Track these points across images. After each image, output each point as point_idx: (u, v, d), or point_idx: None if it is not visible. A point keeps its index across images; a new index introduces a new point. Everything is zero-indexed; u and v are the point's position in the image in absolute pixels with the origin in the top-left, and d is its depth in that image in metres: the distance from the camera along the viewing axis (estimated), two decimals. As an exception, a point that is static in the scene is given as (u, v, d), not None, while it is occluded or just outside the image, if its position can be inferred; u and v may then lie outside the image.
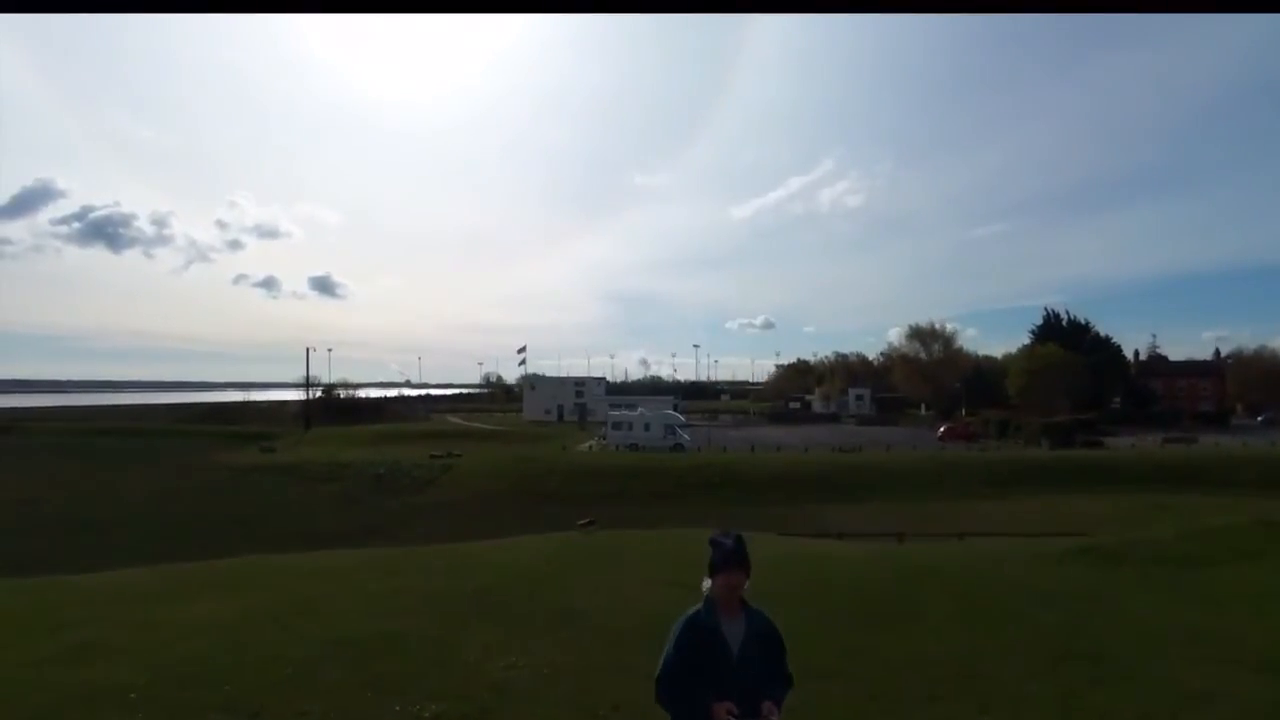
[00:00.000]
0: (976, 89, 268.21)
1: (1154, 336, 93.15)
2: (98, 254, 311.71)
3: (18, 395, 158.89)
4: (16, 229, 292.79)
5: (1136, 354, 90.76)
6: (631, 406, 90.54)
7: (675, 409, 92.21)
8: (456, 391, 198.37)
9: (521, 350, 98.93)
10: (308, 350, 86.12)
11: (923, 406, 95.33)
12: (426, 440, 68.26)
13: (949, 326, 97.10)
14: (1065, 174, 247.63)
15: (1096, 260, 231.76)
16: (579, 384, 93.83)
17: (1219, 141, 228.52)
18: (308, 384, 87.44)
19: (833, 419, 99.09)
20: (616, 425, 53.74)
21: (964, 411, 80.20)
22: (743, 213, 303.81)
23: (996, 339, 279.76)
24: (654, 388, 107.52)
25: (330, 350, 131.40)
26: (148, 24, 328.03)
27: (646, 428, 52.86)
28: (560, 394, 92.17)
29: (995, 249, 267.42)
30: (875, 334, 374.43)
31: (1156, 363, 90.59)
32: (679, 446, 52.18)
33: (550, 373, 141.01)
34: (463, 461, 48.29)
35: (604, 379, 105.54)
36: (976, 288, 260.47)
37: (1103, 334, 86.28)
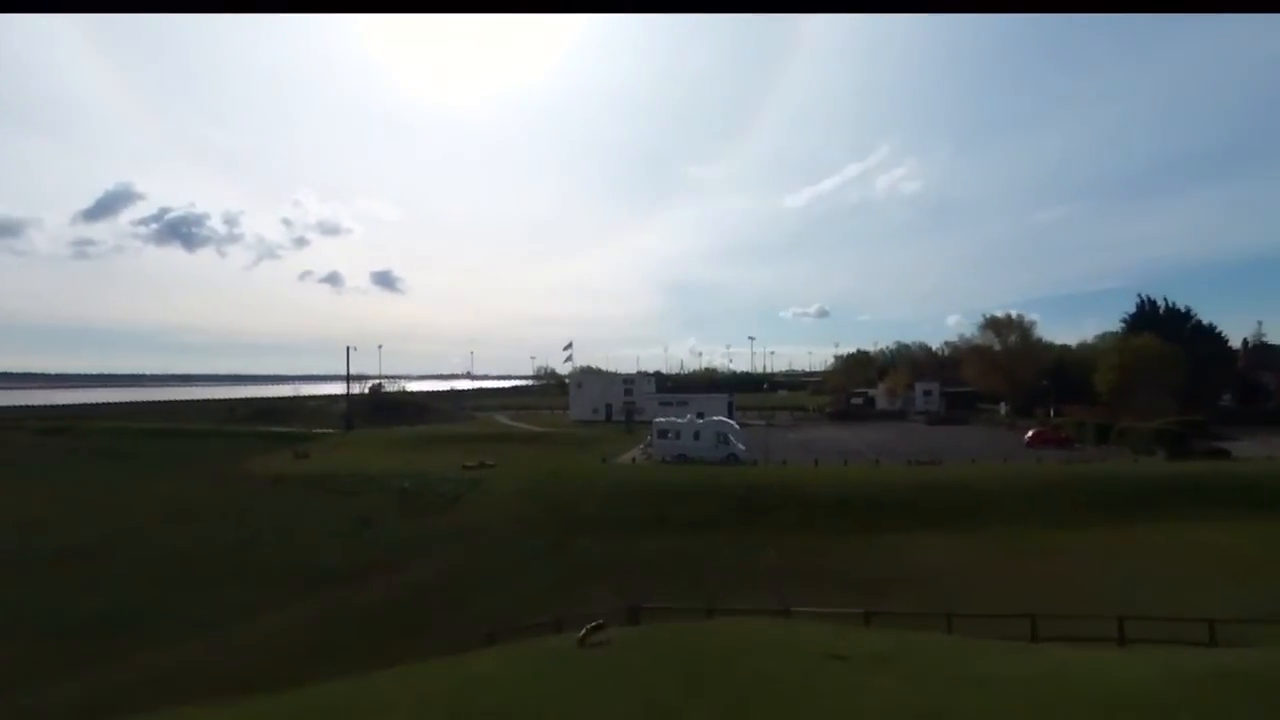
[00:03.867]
0: (1037, 71, 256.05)
1: (1260, 323, 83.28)
2: (174, 252, 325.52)
3: (91, 390, 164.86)
4: (100, 230, 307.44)
5: (1245, 343, 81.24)
6: (682, 405, 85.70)
7: (730, 408, 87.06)
8: (512, 384, 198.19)
9: (568, 347, 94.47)
10: (348, 349, 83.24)
11: (1002, 406, 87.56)
12: (466, 444, 65.01)
13: (1026, 317, 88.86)
14: (1132, 155, 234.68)
15: (1168, 243, 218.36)
16: (628, 381, 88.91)
17: None
18: (348, 381, 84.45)
19: (899, 416, 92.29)
20: (663, 433, 48.62)
21: (1051, 411, 72.62)
22: (797, 201, 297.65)
23: (1060, 326, 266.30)
24: (707, 383, 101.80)
25: (380, 346, 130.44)
26: (215, 31, 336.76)
27: (696, 436, 47.61)
28: (608, 392, 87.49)
29: (1059, 234, 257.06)
30: (933, 322, 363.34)
31: (1267, 353, 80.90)
32: (733, 458, 46.82)
33: (603, 364, 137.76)
34: (495, 475, 44.02)
35: (654, 375, 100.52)
36: (1039, 274, 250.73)
37: (1205, 322, 77.41)
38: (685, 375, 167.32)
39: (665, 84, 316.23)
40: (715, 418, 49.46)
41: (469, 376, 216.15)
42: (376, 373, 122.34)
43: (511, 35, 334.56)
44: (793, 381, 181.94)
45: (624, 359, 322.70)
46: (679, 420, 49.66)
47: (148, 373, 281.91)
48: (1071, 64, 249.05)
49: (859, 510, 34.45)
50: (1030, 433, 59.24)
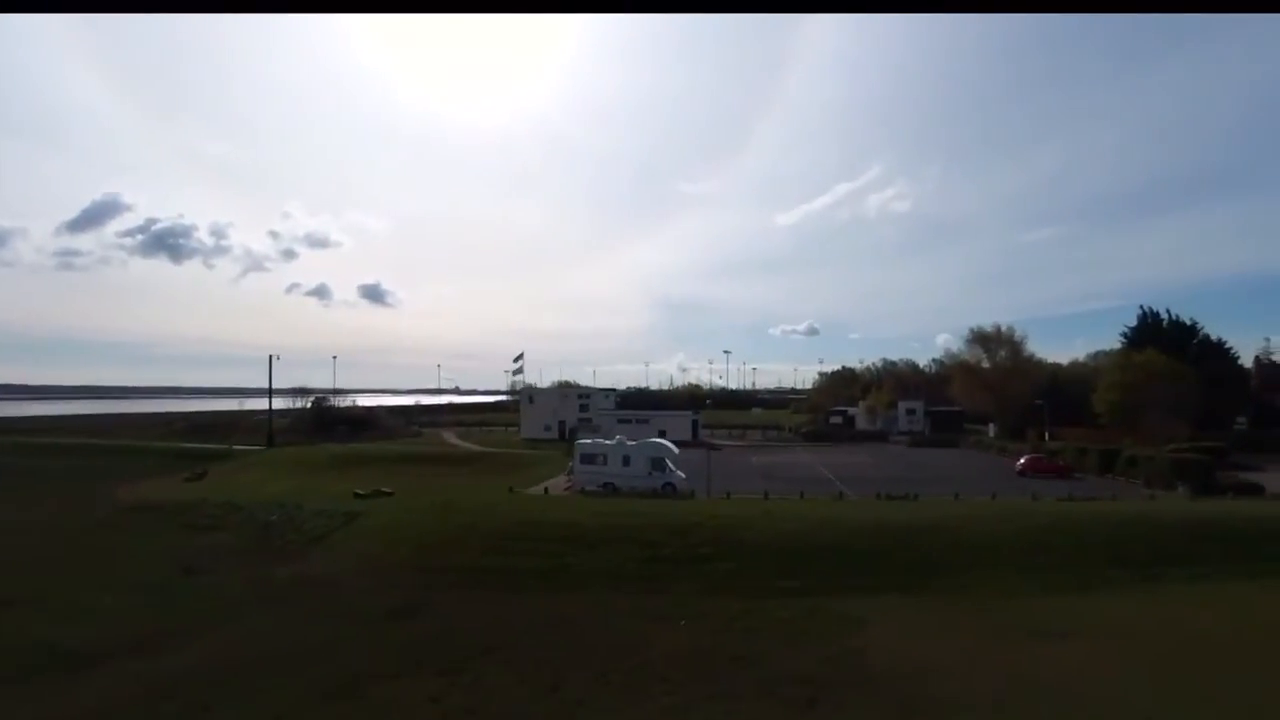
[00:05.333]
0: (1026, 92, 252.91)
1: (1267, 340, 76.41)
2: (160, 265, 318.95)
3: (66, 403, 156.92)
4: (86, 241, 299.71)
5: (1258, 361, 74.05)
6: (643, 423, 77.95)
7: (695, 426, 79.46)
8: (496, 399, 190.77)
9: (518, 359, 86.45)
10: (270, 358, 75.25)
11: (990, 426, 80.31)
12: (388, 466, 57.74)
13: (1016, 331, 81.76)
14: (1123, 176, 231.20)
15: (1160, 263, 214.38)
16: (583, 397, 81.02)
17: None
18: (270, 396, 76.53)
19: (879, 437, 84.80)
20: (587, 458, 40.82)
21: (1045, 434, 65.20)
22: (789, 219, 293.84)
23: (1051, 347, 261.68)
24: (672, 400, 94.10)
25: (335, 357, 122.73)
26: (201, 37, 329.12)
27: (626, 462, 39.86)
28: (562, 408, 79.69)
29: (1050, 253, 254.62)
30: (922, 340, 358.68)
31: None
32: (669, 487, 39.18)
33: (591, 380, 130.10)
34: (380, 507, 36.37)
35: (614, 390, 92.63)
36: (1030, 293, 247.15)
37: (1214, 337, 70.42)
38: (667, 391, 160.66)
39: (658, 100, 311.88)
40: (652, 440, 41.77)
41: (456, 391, 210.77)
42: (332, 386, 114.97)
43: (505, 49, 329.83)
44: (778, 399, 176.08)
45: (619, 374, 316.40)
46: (606, 443, 41.73)
47: (133, 385, 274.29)
48: (1062, 84, 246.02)
49: (810, 563, 26.88)
50: (1023, 459, 51.78)
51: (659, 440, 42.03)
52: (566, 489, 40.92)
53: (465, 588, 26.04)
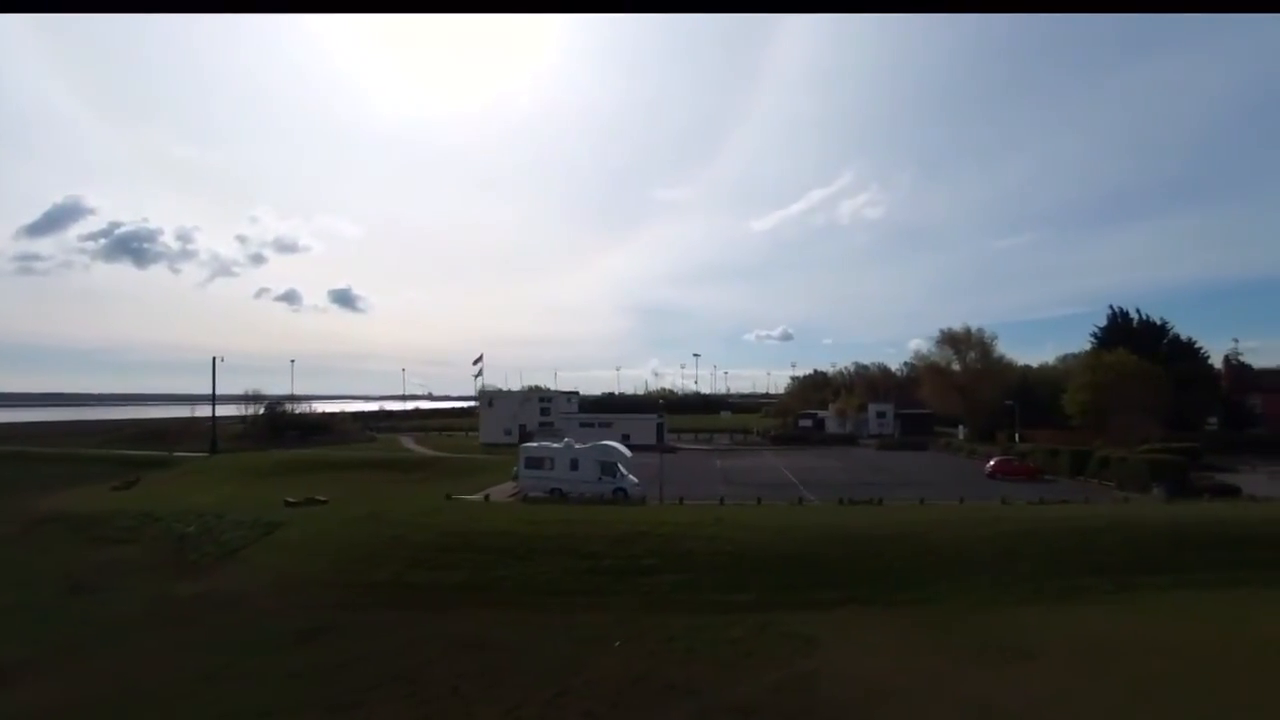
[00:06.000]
0: (998, 100, 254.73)
1: (1235, 342, 76.00)
2: (124, 269, 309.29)
3: (19, 410, 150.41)
4: (47, 245, 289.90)
5: (1228, 361, 73.18)
6: (606, 426, 75.45)
7: (660, 430, 77.09)
8: (464, 405, 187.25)
9: (478, 360, 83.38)
10: (214, 360, 71.70)
11: (960, 428, 78.82)
12: (331, 472, 54.84)
13: (986, 332, 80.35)
14: (1091, 184, 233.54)
15: (1127, 271, 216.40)
16: (544, 400, 78.24)
17: (1251, 150, 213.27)
18: (214, 402, 72.96)
19: (849, 441, 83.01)
20: (533, 462, 38.19)
21: (1017, 437, 63.67)
22: (763, 225, 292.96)
23: (1021, 351, 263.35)
24: (638, 404, 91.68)
25: (293, 361, 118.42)
26: (168, 39, 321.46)
27: (574, 466, 37.34)
28: (522, 412, 76.89)
29: (1020, 260, 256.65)
30: (896, 345, 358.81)
31: (1250, 374, 72.96)
32: (621, 493, 36.73)
33: (553, 383, 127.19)
34: (307, 517, 33.59)
35: (576, 393, 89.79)
36: (1001, 300, 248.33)
37: (1184, 337, 69.50)
38: (632, 396, 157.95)
39: (632, 106, 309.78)
40: (602, 442, 39.22)
41: (430, 397, 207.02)
42: (290, 391, 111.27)
43: (479, 54, 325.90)
44: (751, 403, 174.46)
45: (589, 380, 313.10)
46: (553, 445, 39.06)
47: (94, 392, 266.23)
48: (1029, 94, 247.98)
49: (763, 574, 24.66)
50: (993, 461, 50.05)
51: (610, 443, 39.48)
52: (512, 496, 38.31)
53: (383, 606, 23.49)
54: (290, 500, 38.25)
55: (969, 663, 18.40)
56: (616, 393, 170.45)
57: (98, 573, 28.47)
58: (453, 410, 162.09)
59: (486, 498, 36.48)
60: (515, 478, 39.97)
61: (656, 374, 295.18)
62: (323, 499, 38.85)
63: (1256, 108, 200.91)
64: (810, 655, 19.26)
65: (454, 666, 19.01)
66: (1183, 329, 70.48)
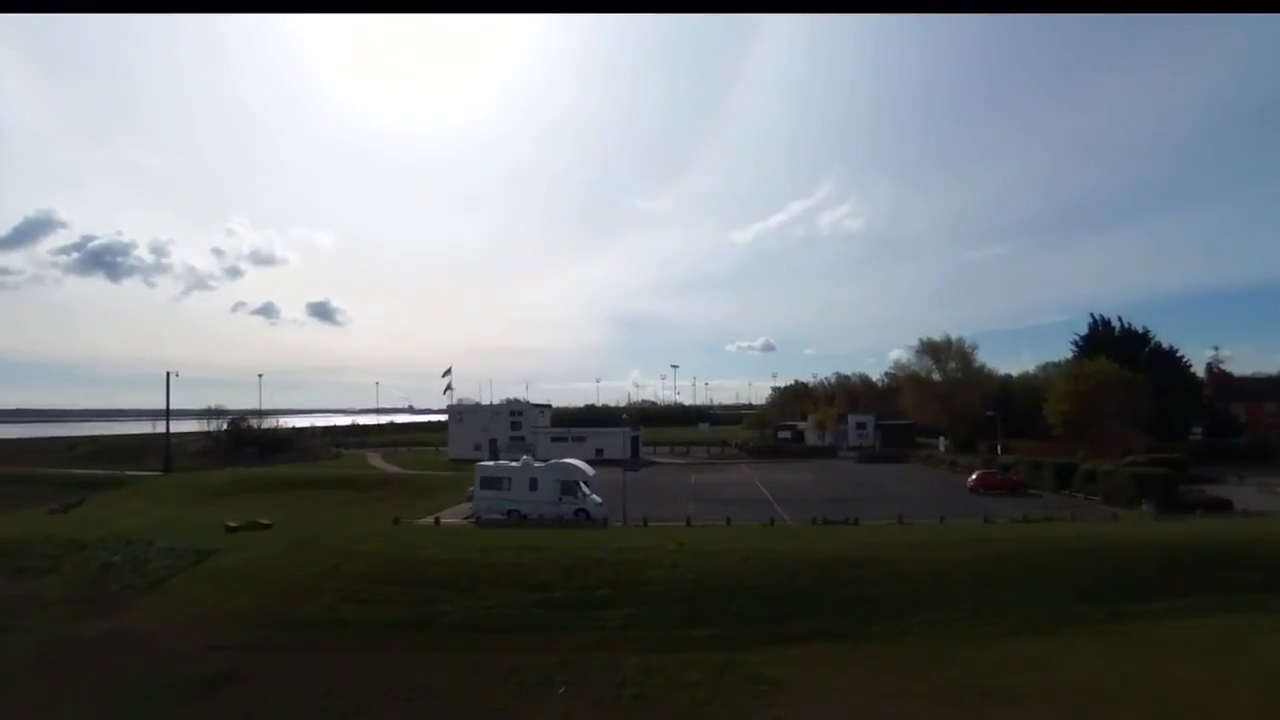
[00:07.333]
0: (976, 111, 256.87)
1: (1216, 349, 75.15)
2: (97, 283, 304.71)
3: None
4: (17, 259, 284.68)
5: (1210, 369, 72.22)
6: (579, 440, 73.25)
7: (635, 443, 75.02)
8: (440, 419, 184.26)
9: (446, 373, 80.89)
10: (168, 374, 69.15)
11: (941, 440, 77.32)
12: (285, 492, 52.67)
13: (966, 341, 79.26)
14: (1068, 193, 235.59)
15: (1106, 279, 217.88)
16: (515, 413, 75.89)
17: (1224, 157, 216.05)
18: (168, 418, 70.12)
19: (828, 453, 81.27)
20: (488, 482, 35.88)
21: (999, 449, 62.13)
22: (744, 236, 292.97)
23: (1000, 360, 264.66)
24: (610, 417, 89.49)
25: (261, 375, 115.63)
26: (142, 48, 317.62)
27: (533, 486, 35.19)
28: (493, 426, 74.54)
29: (997, 269, 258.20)
30: (876, 355, 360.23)
31: (1233, 382, 72.03)
32: (583, 513, 34.59)
33: (525, 395, 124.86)
34: (238, 545, 31.08)
35: (549, 406, 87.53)
36: (979, 309, 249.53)
37: (1166, 345, 68.43)
38: (616, 409, 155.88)
39: (611, 117, 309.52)
40: (563, 461, 36.97)
41: (410, 410, 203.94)
42: (258, 405, 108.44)
43: (456, 64, 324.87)
44: (731, 415, 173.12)
45: (569, 392, 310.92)
46: (511, 464, 36.76)
47: (65, 408, 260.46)
48: (1008, 103, 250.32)
49: (728, 606, 22.60)
50: (975, 475, 48.36)
51: (571, 461, 37.28)
52: (467, 519, 36.02)
53: (304, 648, 21.15)
54: (231, 525, 35.76)
55: (946, 708, 16.45)
56: (597, 405, 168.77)
57: (4, 608, 25.97)
58: (428, 424, 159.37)
59: (437, 521, 34.16)
60: (470, 499, 37.70)
61: (637, 385, 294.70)
62: (266, 522, 36.41)
63: (1231, 115, 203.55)
64: (775, 701, 17.23)
65: (376, 721, 16.84)
66: (1164, 337, 69.43)
